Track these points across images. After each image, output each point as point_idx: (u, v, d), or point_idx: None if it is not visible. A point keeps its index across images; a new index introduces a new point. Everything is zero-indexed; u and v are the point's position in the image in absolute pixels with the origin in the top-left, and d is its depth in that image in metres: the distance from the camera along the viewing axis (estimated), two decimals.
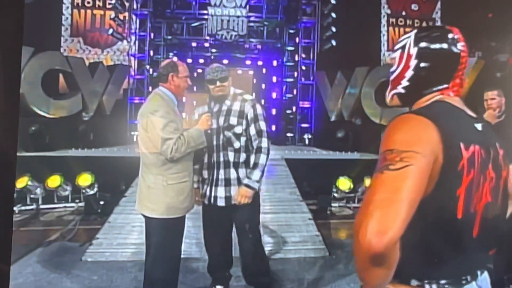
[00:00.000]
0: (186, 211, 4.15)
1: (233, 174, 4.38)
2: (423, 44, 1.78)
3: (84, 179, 9.29)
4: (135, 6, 17.09)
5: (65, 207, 9.21)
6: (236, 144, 4.36)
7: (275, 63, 19.61)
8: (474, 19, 15.29)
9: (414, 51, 1.80)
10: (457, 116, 1.71)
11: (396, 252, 1.39)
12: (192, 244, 6.16)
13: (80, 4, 18.42)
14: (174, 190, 4.00)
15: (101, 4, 18.47)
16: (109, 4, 17.74)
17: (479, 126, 1.72)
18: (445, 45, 1.75)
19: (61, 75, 14.32)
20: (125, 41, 17.73)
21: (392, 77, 1.90)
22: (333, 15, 16.69)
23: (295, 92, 18.02)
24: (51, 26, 17.10)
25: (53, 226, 7.87)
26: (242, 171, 4.40)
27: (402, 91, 1.86)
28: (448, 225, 1.60)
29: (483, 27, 15.23)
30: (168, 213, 3.99)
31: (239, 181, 4.37)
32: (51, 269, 5.61)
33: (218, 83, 4.35)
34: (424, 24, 19.68)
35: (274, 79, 19.76)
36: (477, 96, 7.66)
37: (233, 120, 4.37)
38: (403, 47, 1.85)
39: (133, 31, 17.28)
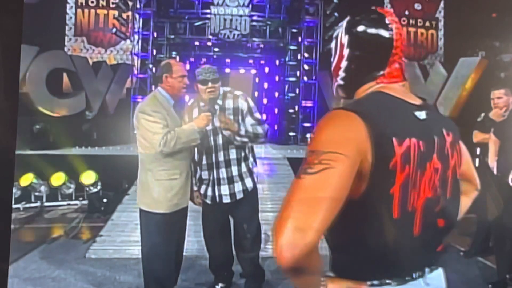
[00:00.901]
0: (177, 209, 4.18)
1: (235, 171, 4.47)
2: (352, 32, 1.69)
3: (88, 177, 9.35)
4: (138, 6, 17.08)
5: (68, 204, 9.23)
6: (236, 141, 4.42)
7: (277, 62, 19.59)
8: (478, 18, 15.27)
9: (345, 40, 1.70)
10: (393, 107, 1.59)
11: (315, 259, 1.34)
12: (195, 242, 6.19)
13: (84, 4, 18.46)
14: (161, 186, 4.08)
15: (104, 4, 18.50)
16: (113, 3, 17.76)
17: (422, 114, 1.60)
18: (374, 30, 1.65)
19: (65, 74, 14.38)
20: (128, 41, 17.74)
21: (332, 69, 1.81)
22: (336, 14, 16.65)
23: (297, 91, 17.95)
24: (55, 25, 17.14)
25: (57, 224, 7.92)
26: (243, 165, 4.53)
27: (342, 82, 1.77)
28: (385, 226, 1.49)
29: (487, 26, 15.20)
30: (155, 207, 4.09)
31: (240, 177, 4.51)
32: (55, 266, 5.65)
33: (210, 84, 4.36)
34: (427, 23, 19.70)
35: (277, 78, 19.73)
36: (480, 96, 7.67)
37: (229, 118, 4.41)
38: (336, 37, 1.77)
39: (136, 30, 17.29)
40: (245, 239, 4.71)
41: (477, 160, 6.40)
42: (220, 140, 4.43)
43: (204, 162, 4.51)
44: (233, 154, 4.46)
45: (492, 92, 5.94)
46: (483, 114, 6.12)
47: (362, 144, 1.41)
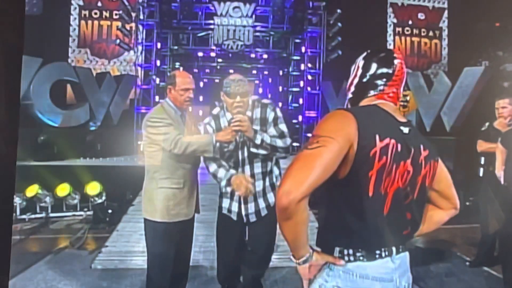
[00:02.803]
0: (178, 219, 4.10)
1: (258, 186, 4.09)
2: (366, 59, 2.18)
3: (93, 188, 9.36)
4: (141, 17, 17.16)
5: (73, 215, 9.22)
6: (262, 154, 4.02)
7: (281, 72, 19.68)
8: (481, 28, 15.33)
9: (361, 64, 2.19)
10: (381, 116, 2.04)
11: (302, 210, 1.77)
12: (201, 252, 6.20)
13: (87, 15, 18.58)
14: (163, 194, 4.04)
15: (108, 15, 18.64)
16: (116, 15, 17.85)
17: (405, 130, 2.06)
18: (381, 60, 2.15)
19: (68, 86, 14.43)
20: (131, 52, 17.83)
21: (347, 86, 2.29)
22: (339, 24, 16.71)
23: (301, 101, 18.02)
24: (58, 37, 17.23)
25: (62, 234, 7.92)
26: (267, 179, 4.15)
27: (351, 96, 2.25)
28: (362, 202, 1.92)
29: (490, 36, 15.26)
30: (156, 216, 4.05)
31: (263, 192, 4.12)
32: (61, 276, 5.65)
33: (238, 98, 3.92)
34: (430, 33, 19.75)
35: (280, 88, 19.83)
36: (485, 106, 7.66)
37: (246, 120, 3.89)
38: (356, 62, 2.24)
39: (139, 41, 17.35)
40: (255, 256, 4.38)
41: (481, 170, 6.40)
42: (245, 153, 4.03)
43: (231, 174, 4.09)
44: (258, 168, 4.10)
45: (497, 101, 5.96)
46: (487, 124, 6.13)
47: (351, 134, 1.86)
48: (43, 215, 9.00)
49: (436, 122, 12.74)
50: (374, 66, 2.14)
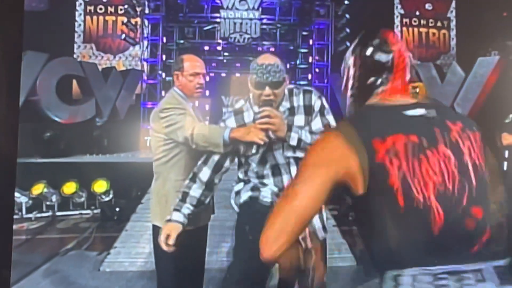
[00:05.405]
0: (198, 224, 3.65)
1: None
2: (356, 54, 1.82)
3: (100, 186, 9.28)
4: (147, 11, 17.06)
5: (80, 214, 9.14)
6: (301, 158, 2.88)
7: (288, 65, 19.53)
8: (489, 18, 15.15)
9: (351, 61, 1.84)
10: (380, 113, 1.69)
11: (288, 254, 1.79)
12: (213, 253, 6.01)
13: (92, 11, 18.50)
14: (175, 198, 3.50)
15: (113, 10, 18.53)
16: (121, 9, 17.76)
17: (416, 112, 1.65)
18: (374, 51, 1.77)
19: (74, 81, 14.35)
20: (136, 46, 17.74)
21: (342, 89, 1.93)
22: (347, 16, 16.57)
23: None
24: (64, 32, 17.17)
25: (69, 234, 7.82)
26: None
27: (351, 100, 1.88)
28: (396, 216, 1.54)
29: (498, 26, 15.09)
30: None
31: None
32: (70, 280, 5.54)
33: (267, 89, 2.95)
34: (438, 23, 19.58)
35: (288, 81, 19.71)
36: (500, 96, 7.48)
37: (299, 120, 3.07)
38: (344, 60, 1.91)
39: (145, 35, 17.26)
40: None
41: (505, 164, 6.21)
42: (281, 159, 3.06)
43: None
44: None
45: None
46: (511, 116, 5.93)
47: (341, 156, 1.57)
48: (50, 213, 8.90)
49: None
50: (367, 62, 1.79)
